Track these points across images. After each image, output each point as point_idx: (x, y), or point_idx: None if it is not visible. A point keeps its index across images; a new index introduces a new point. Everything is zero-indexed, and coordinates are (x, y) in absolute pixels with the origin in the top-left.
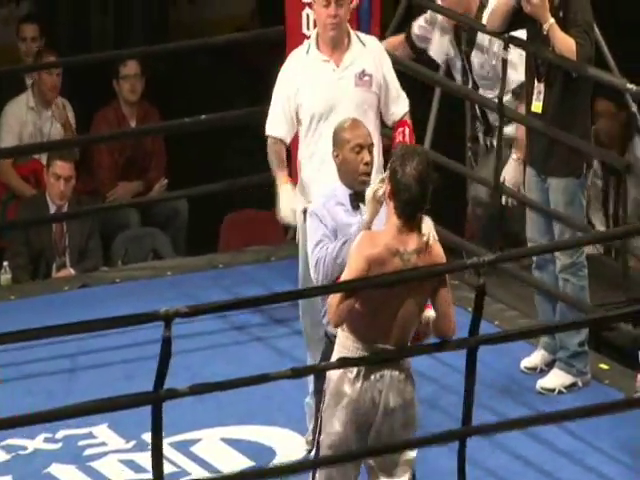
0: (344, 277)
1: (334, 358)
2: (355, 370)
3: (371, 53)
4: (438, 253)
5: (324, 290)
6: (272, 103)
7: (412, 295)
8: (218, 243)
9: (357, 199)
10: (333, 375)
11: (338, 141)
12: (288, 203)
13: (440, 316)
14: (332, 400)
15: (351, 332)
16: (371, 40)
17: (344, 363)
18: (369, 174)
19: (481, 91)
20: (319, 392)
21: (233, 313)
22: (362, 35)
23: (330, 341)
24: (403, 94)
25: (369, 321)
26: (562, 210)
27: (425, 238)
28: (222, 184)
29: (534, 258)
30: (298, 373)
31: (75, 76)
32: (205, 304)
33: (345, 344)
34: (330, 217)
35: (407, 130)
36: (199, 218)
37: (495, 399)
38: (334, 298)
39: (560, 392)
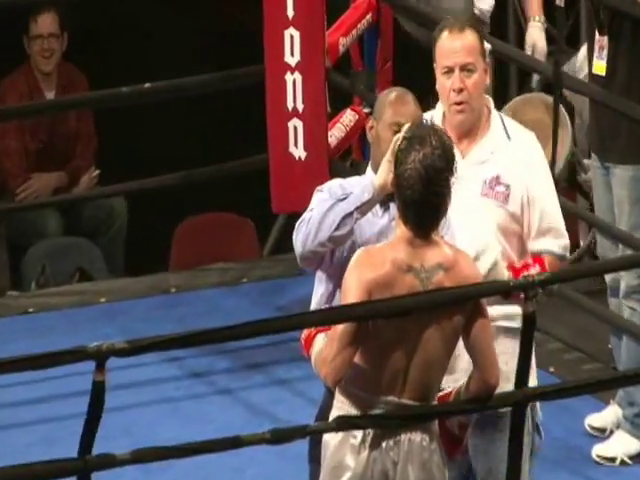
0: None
1: (333, 416)
2: (360, 434)
3: (518, 155)
4: (470, 270)
5: (314, 319)
6: None
7: (436, 327)
8: (170, 258)
9: (388, 194)
10: (331, 440)
11: (377, 111)
12: None
13: (477, 360)
14: (330, 475)
15: (354, 381)
16: (523, 135)
17: (344, 424)
18: None
19: None
20: (314, 462)
21: (190, 355)
22: (511, 124)
23: (329, 392)
24: (560, 232)
25: (378, 366)
26: (627, 210)
27: (449, 250)
28: (175, 176)
29: (606, 280)
30: (280, 437)
31: None
32: (151, 338)
33: (346, 398)
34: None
35: (536, 268)
36: (143, 223)
37: (548, 471)
38: (326, 348)
39: (623, 463)
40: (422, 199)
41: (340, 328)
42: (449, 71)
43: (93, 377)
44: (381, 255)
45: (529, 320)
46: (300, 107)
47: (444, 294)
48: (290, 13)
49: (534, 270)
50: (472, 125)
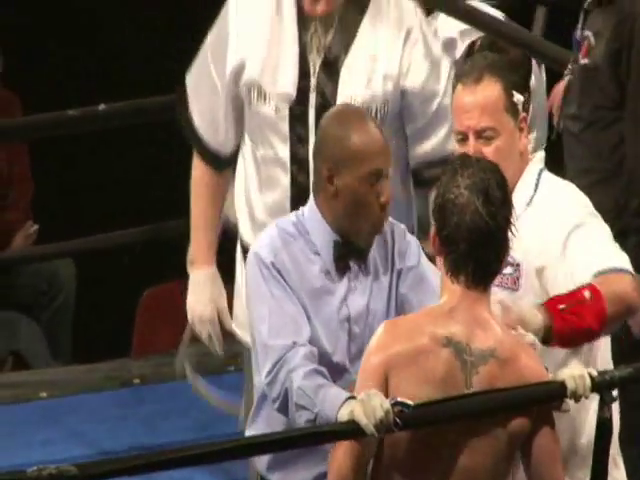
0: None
1: None
2: None
3: (535, 216)
4: (536, 369)
5: (328, 433)
6: None
7: (482, 441)
8: (131, 340)
9: (348, 251)
10: None
11: (340, 159)
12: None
13: None
14: None
15: None
16: (555, 187)
17: None
18: (387, 217)
19: None
20: None
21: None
22: (550, 178)
23: None
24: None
25: None
26: None
27: (507, 337)
28: (139, 231)
29: None
30: None
31: None
32: (121, 459)
33: None
34: (294, 270)
35: (586, 294)
36: (96, 294)
37: None
38: (338, 453)
39: None
40: (481, 226)
41: (342, 447)
42: (463, 138)
43: None
44: (415, 324)
45: (604, 429)
46: None
47: (491, 398)
48: None
49: (587, 293)
50: None
